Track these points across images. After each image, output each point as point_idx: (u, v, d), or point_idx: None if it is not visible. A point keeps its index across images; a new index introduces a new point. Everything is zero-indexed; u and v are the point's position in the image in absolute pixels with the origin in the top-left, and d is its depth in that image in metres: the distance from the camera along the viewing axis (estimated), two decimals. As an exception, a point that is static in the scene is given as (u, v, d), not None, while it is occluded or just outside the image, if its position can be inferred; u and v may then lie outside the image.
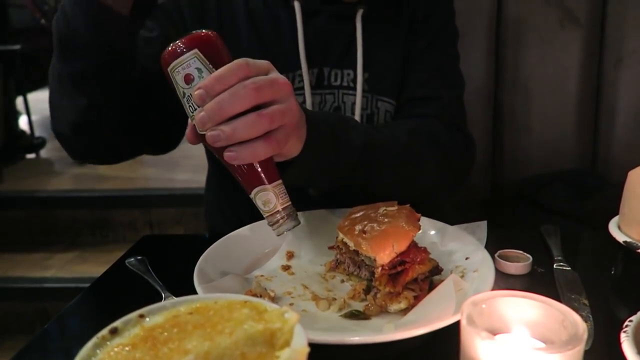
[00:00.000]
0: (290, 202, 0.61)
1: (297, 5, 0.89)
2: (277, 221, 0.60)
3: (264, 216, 0.61)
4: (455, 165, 0.91)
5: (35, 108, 3.62)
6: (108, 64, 0.73)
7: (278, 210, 0.59)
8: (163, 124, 0.88)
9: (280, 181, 0.60)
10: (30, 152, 3.50)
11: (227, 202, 1.03)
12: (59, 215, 2.57)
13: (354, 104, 0.92)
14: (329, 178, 0.74)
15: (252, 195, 0.60)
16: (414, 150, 0.83)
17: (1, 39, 3.47)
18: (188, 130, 0.60)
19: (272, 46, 0.91)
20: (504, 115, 1.41)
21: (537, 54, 1.36)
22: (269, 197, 0.59)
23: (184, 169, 2.93)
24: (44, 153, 3.54)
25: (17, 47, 3.31)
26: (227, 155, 0.55)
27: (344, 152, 0.72)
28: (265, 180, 0.59)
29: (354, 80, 0.92)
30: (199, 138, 0.58)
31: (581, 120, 1.38)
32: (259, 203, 0.60)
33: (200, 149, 0.77)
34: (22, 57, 3.36)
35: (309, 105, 0.90)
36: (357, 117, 0.91)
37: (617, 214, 0.70)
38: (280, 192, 0.60)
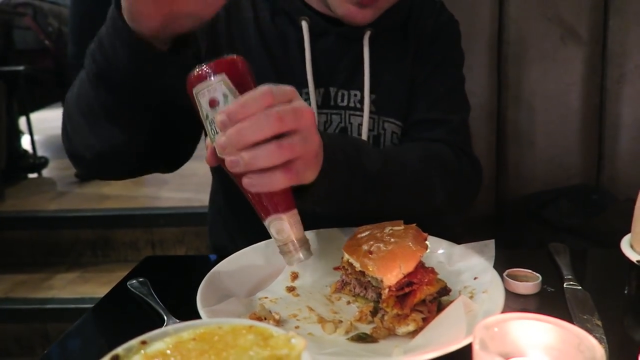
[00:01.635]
0: (304, 234, 0.60)
1: (304, 24, 0.90)
2: (290, 251, 0.59)
3: (277, 244, 0.60)
4: (464, 189, 0.91)
5: (37, 128, 3.64)
6: (146, 98, 0.73)
7: (292, 241, 0.59)
8: (178, 142, 0.88)
9: (295, 211, 0.59)
10: (32, 172, 3.51)
11: (231, 218, 1.02)
12: (61, 235, 2.56)
13: (360, 124, 0.92)
14: (341, 203, 0.73)
15: (266, 223, 0.59)
16: (424, 177, 0.83)
17: (5, 60, 3.50)
18: (208, 153, 0.60)
19: (280, 63, 0.91)
20: (508, 131, 1.40)
21: (539, 71, 1.36)
22: (284, 226, 0.58)
23: (186, 187, 2.92)
24: (46, 172, 3.54)
25: (20, 67, 3.34)
26: (246, 182, 0.55)
27: (358, 181, 0.72)
28: (281, 210, 0.58)
29: (361, 101, 0.92)
30: (218, 161, 0.58)
31: (585, 136, 1.38)
32: (272, 231, 0.59)
33: (201, 166, 0.76)
34: (26, 77, 3.39)
35: None
36: (363, 138, 0.91)
37: (623, 230, 0.69)
38: (294, 222, 0.59)
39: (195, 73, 0.56)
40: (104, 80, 0.70)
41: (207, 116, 0.57)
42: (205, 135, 0.60)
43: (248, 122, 0.52)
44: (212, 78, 0.55)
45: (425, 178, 0.83)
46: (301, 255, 0.59)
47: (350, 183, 0.71)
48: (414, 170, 0.81)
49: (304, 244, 0.60)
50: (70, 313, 2.15)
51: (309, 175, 0.62)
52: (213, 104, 0.56)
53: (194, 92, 0.57)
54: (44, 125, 3.89)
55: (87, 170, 0.87)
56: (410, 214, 0.70)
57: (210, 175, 1.08)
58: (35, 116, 3.67)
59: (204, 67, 0.56)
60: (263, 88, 0.54)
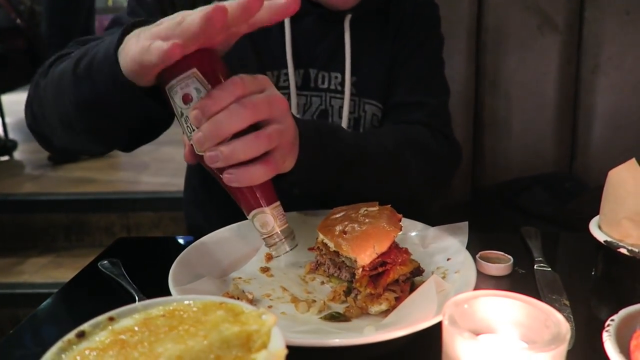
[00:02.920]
0: (288, 224, 0.60)
1: None
2: (275, 243, 0.59)
3: (262, 237, 0.60)
4: (441, 171, 0.92)
5: (9, 110, 3.53)
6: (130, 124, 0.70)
7: (276, 232, 0.59)
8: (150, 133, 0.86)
9: (278, 203, 0.59)
10: (2, 155, 3.41)
11: (206, 198, 1.02)
12: (33, 219, 2.51)
13: (341, 107, 0.92)
14: (318, 185, 0.73)
15: (249, 217, 0.59)
16: (401, 160, 0.83)
17: (-26, 39, 3.38)
18: (186, 150, 0.59)
19: (260, 43, 0.90)
20: (484, 118, 1.42)
21: (516, 59, 1.38)
22: (267, 219, 0.58)
23: (162, 172, 2.89)
24: (17, 155, 3.45)
25: (-10, 47, 3.23)
26: (227, 178, 0.54)
27: (334, 166, 0.72)
28: (263, 203, 0.58)
29: (342, 84, 0.92)
30: (197, 158, 0.57)
31: (559, 125, 1.40)
32: (256, 225, 0.59)
33: (178, 151, 0.75)
34: (-4, 57, 3.28)
35: (294, 106, 0.90)
36: (344, 120, 0.91)
37: (593, 216, 0.70)
38: (278, 214, 0.59)
39: (166, 69, 0.54)
40: (88, 107, 0.67)
41: (181, 113, 0.55)
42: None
43: (222, 114, 0.52)
44: (183, 73, 0.53)
45: (401, 160, 0.83)
46: (287, 246, 0.60)
47: (326, 168, 0.71)
48: (390, 153, 0.82)
49: (289, 234, 0.60)
50: (42, 298, 2.08)
51: (287, 164, 0.62)
52: (187, 99, 0.54)
53: (166, 89, 0.55)
54: (15, 108, 3.77)
55: (50, 150, 0.86)
56: (387, 197, 0.70)
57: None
58: (6, 98, 3.56)
59: (174, 63, 0.53)
60: (234, 78, 0.53)
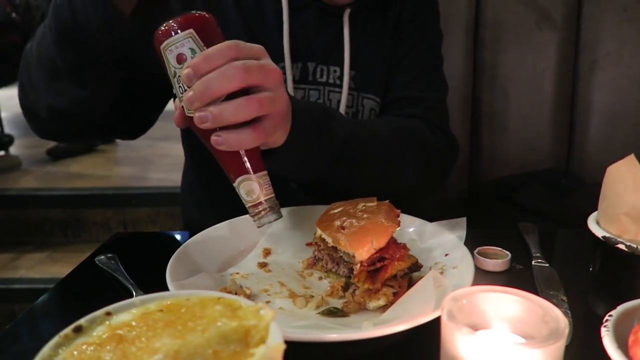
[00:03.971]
0: (273, 195, 0.60)
1: None
2: (259, 212, 0.58)
3: (246, 206, 0.59)
4: (437, 165, 0.92)
5: (5, 105, 3.51)
6: (111, 60, 0.71)
7: (261, 202, 0.58)
8: (141, 108, 0.86)
9: (265, 172, 0.59)
10: (-1, 150, 3.40)
11: (202, 193, 1.01)
12: (29, 214, 2.50)
13: (339, 101, 0.91)
14: (310, 169, 0.73)
15: (235, 184, 0.58)
16: (397, 147, 0.83)
17: (-31, 34, 3.35)
18: (177, 113, 0.59)
19: (258, 35, 0.90)
20: (482, 115, 1.42)
21: (514, 55, 1.38)
22: (253, 187, 0.58)
23: (159, 167, 2.88)
24: (13, 150, 3.44)
25: (-15, 41, 3.21)
26: (214, 139, 0.54)
27: (326, 145, 0.71)
28: (250, 170, 0.58)
29: (340, 77, 0.91)
30: (187, 121, 0.57)
31: (557, 121, 1.40)
32: (242, 192, 0.58)
33: (175, 147, 0.75)
34: (-10, 52, 3.25)
35: None
36: None
37: (590, 213, 0.70)
38: (264, 183, 0.58)
39: (163, 28, 0.55)
40: (69, 38, 0.68)
41: (174, 73, 0.56)
42: (174, 98, 0.59)
43: (214, 74, 0.52)
44: (180, 33, 0.54)
45: (397, 149, 0.83)
46: (271, 216, 0.59)
47: (318, 146, 0.70)
48: (386, 140, 0.81)
49: (274, 205, 0.59)
50: (39, 293, 2.09)
51: (277, 136, 0.61)
52: (181, 59, 0.55)
53: (161, 48, 0.56)
54: (10, 103, 3.75)
55: (41, 128, 0.84)
56: (381, 187, 0.70)
57: (183, 156, 1.06)
58: (1, 93, 3.54)
59: (172, 23, 0.54)
60: (229, 42, 0.54)
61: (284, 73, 0.89)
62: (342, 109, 0.91)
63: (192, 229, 0.77)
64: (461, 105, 1.39)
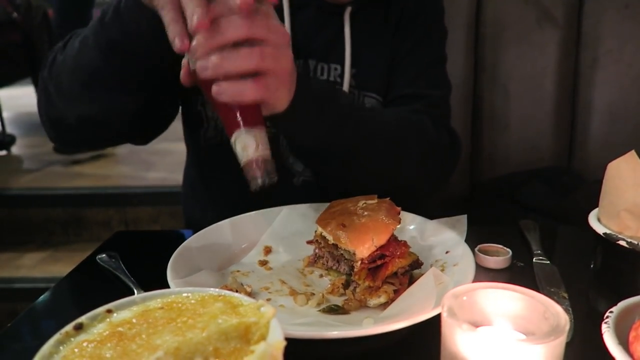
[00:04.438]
0: (270, 155, 0.57)
1: None
2: (253, 170, 0.55)
3: (242, 165, 0.56)
4: (440, 159, 0.91)
5: (6, 105, 3.51)
6: (157, 69, 0.72)
7: (256, 159, 0.55)
8: (162, 112, 0.87)
9: (263, 129, 0.57)
10: (0, 150, 3.40)
11: (203, 190, 1.01)
12: (31, 213, 2.50)
13: None
14: (314, 134, 0.71)
15: (232, 140, 0.56)
16: (401, 132, 0.82)
17: (-30, 33, 3.35)
18: (183, 71, 0.59)
19: None
20: (483, 113, 1.41)
21: (515, 53, 1.37)
22: (249, 142, 0.55)
23: (160, 167, 2.88)
24: (15, 150, 3.44)
25: (-15, 41, 3.21)
26: (214, 89, 0.54)
27: (331, 110, 0.70)
28: (248, 124, 0.56)
29: (341, 75, 0.91)
30: (192, 79, 0.57)
31: (558, 119, 1.40)
32: (238, 148, 0.56)
33: (177, 146, 0.75)
34: (-8, 52, 3.25)
35: None
36: None
37: (591, 210, 0.70)
38: (261, 140, 0.56)
39: None
40: (117, 49, 0.68)
41: None
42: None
43: (219, 21, 0.52)
44: None
45: (401, 134, 0.82)
46: (266, 178, 0.55)
47: (323, 110, 0.69)
48: (389, 122, 0.81)
49: (269, 165, 0.56)
50: (40, 292, 2.09)
51: (280, 95, 0.61)
52: None
53: None
54: (12, 103, 3.76)
55: (65, 137, 0.85)
56: (384, 177, 0.69)
57: (184, 155, 1.06)
58: (3, 92, 3.54)
59: None
60: None
61: None
62: None
63: (194, 228, 0.77)
64: (462, 104, 1.39)
